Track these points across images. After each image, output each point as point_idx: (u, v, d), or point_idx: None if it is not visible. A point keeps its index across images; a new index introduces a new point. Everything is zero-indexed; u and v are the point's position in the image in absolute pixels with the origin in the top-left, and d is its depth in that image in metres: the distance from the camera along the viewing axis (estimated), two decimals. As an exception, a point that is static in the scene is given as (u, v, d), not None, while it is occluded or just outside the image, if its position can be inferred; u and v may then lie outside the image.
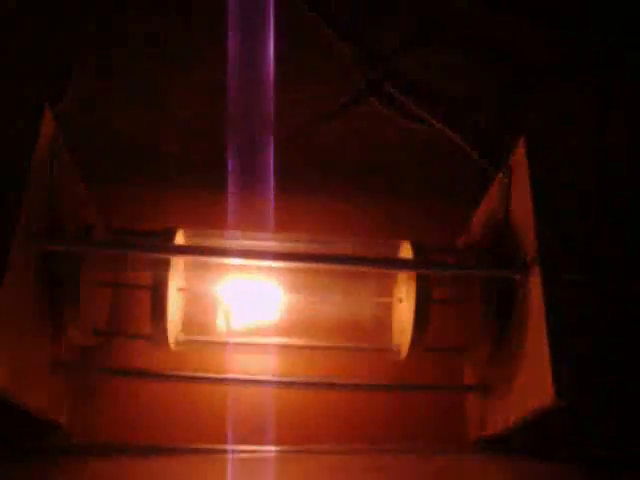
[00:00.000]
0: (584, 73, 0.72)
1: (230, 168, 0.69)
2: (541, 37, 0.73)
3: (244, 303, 0.60)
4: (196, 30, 0.73)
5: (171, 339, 0.58)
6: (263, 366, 0.65)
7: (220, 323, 0.61)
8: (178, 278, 0.58)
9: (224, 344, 0.61)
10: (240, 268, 0.59)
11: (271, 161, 0.69)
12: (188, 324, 0.60)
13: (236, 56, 0.70)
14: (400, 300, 0.60)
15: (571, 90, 0.72)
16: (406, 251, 0.59)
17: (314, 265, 0.57)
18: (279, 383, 0.61)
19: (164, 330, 0.56)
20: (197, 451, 0.61)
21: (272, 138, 0.70)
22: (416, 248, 0.59)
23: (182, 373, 0.60)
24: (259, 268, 0.59)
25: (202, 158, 0.72)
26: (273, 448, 0.62)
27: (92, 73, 0.71)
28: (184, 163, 0.72)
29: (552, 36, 0.73)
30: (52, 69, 0.69)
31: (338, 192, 0.72)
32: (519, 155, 0.57)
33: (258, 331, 0.61)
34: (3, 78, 0.67)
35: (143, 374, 0.62)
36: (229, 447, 0.61)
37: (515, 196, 0.57)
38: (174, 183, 0.71)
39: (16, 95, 0.65)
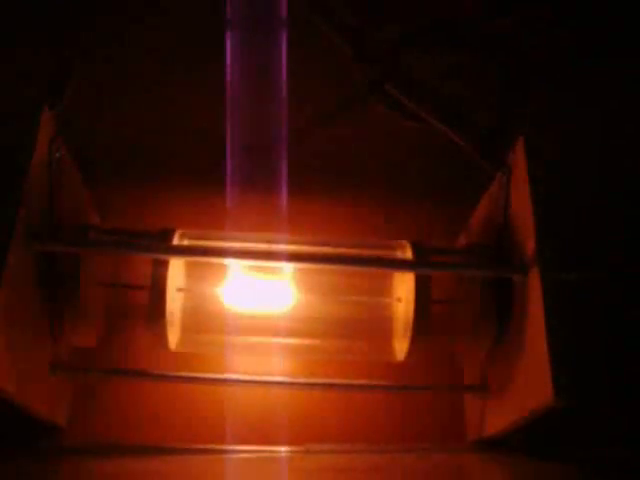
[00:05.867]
0: (584, 73, 0.72)
1: (231, 168, 0.69)
2: (541, 37, 0.73)
3: (242, 303, 0.60)
4: (197, 30, 0.73)
5: (170, 340, 0.58)
6: (262, 366, 0.65)
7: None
8: (177, 278, 0.58)
9: (223, 344, 0.61)
10: (239, 268, 0.59)
11: (276, 162, 0.69)
12: (187, 324, 0.60)
13: (237, 56, 0.70)
14: (399, 300, 0.60)
15: (571, 90, 0.72)
16: (406, 251, 0.59)
17: (313, 265, 0.57)
18: (279, 383, 0.61)
19: (163, 331, 0.56)
20: (197, 451, 0.61)
21: (279, 138, 0.71)
22: (416, 248, 0.59)
23: (182, 373, 0.60)
24: (258, 268, 0.59)
25: (202, 158, 0.72)
26: (273, 448, 0.62)
27: (92, 73, 0.71)
28: (184, 163, 0.72)
29: (552, 35, 0.73)
30: (52, 69, 0.69)
31: (338, 192, 0.72)
32: (518, 155, 0.57)
33: (256, 331, 0.61)
34: (3, 78, 0.67)
35: (143, 374, 0.62)
36: (229, 447, 0.62)
37: (514, 196, 0.57)
38: (174, 183, 0.71)
39: (16, 95, 0.65)
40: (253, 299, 0.60)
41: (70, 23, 0.71)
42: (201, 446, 0.61)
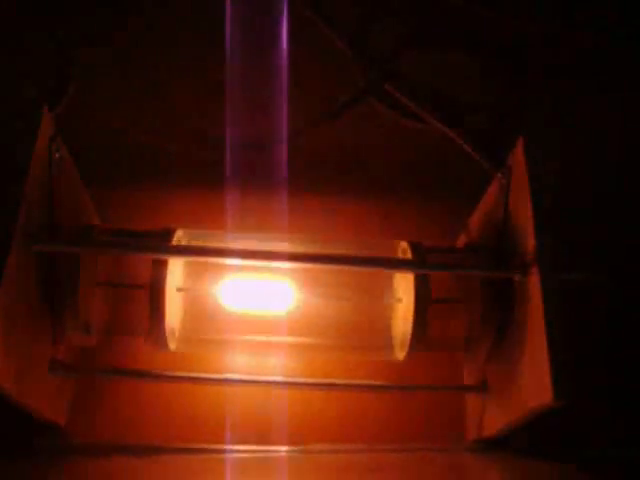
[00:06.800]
0: (584, 73, 0.72)
1: (230, 168, 0.69)
2: (541, 37, 0.73)
3: (242, 303, 0.60)
4: (197, 30, 0.73)
5: (169, 339, 0.58)
6: (263, 366, 0.65)
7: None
8: (177, 278, 0.58)
9: (223, 344, 0.61)
10: (238, 268, 0.59)
11: (276, 161, 0.69)
12: (187, 324, 0.60)
13: (237, 55, 0.70)
14: (399, 300, 0.60)
15: (571, 90, 0.72)
16: (404, 251, 0.59)
17: (313, 265, 0.57)
18: (279, 383, 0.61)
19: (162, 331, 0.56)
20: (197, 451, 0.61)
21: (279, 138, 0.71)
22: (415, 248, 0.59)
23: (182, 373, 0.60)
24: (257, 268, 0.59)
25: (202, 158, 0.72)
26: (273, 448, 0.62)
27: (92, 73, 0.71)
28: (184, 163, 0.72)
29: (552, 36, 0.73)
30: (52, 69, 0.69)
31: (337, 192, 0.72)
32: (518, 155, 0.57)
33: (256, 331, 0.61)
34: (3, 78, 0.67)
35: (143, 374, 0.62)
36: (229, 447, 0.61)
37: (514, 196, 0.57)
38: (174, 183, 0.71)
39: (16, 95, 0.65)
40: (253, 299, 0.60)
41: (70, 22, 0.71)
42: (201, 446, 0.61)
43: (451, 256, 0.63)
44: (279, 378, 0.61)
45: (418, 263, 0.58)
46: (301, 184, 0.69)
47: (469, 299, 0.58)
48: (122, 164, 0.71)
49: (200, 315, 0.60)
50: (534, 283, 0.52)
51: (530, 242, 0.53)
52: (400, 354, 0.60)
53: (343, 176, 0.73)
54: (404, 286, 0.59)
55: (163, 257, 0.56)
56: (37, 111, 0.54)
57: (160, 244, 0.57)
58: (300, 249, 0.60)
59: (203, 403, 0.65)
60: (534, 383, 0.50)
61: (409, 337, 0.57)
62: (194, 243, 0.60)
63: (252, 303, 0.60)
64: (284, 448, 0.62)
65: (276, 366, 0.65)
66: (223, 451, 0.61)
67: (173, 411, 0.65)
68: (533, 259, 0.52)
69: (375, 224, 0.72)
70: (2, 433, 0.55)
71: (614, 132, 0.70)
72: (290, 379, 0.62)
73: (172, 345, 0.59)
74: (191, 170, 0.72)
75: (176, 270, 0.58)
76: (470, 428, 0.64)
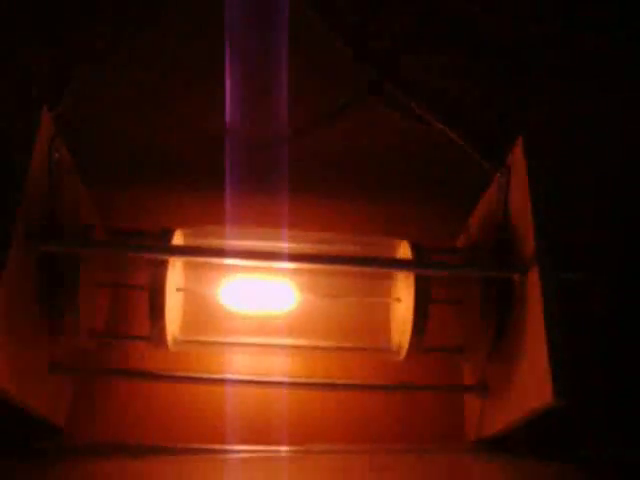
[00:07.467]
0: (584, 74, 0.72)
1: (231, 168, 0.69)
2: (541, 38, 0.73)
3: (242, 303, 0.60)
4: (196, 30, 0.73)
5: (169, 340, 0.58)
6: (263, 366, 0.65)
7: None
8: (177, 278, 0.58)
9: (223, 344, 0.61)
10: (238, 268, 0.59)
11: (276, 162, 0.69)
12: (187, 324, 0.60)
13: (238, 56, 0.70)
14: (399, 300, 0.60)
15: (571, 90, 0.72)
16: (405, 251, 0.59)
17: (313, 265, 0.57)
18: (279, 384, 0.61)
19: (162, 331, 0.56)
20: (197, 451, 0.61)
21: (279, 138, 0.71)
22: (415, 248, 0.59)
23: (182, 374, 0.60)
24: (257, 268, 0.59)
25: (203, 158, 0.72)
26: (273, 448, 0.62)
27: (92, 73, 0.71)
28: (184, 163, 0.72)
29: (552, 36, 0.73)
30: (52, 69, 0.69)
31: (338, 192, 0.72)
32: (517, 155, 0.57)
33: (256, 331, 0.61)
34: (3, 78, 0.67)
35: (143, 375, 0.62)
36: (229, 447, 0.62)
37: (513, 196, 0.57)
38: (174, 183, 0.71)
39: (16, 95, 0.65)
40: (253, 299, 0.60)
41: (70, 23, 0.71)
42: (201, 446, 0.61)
43: (451, 256, 0.63)
44: (279, 378, 0.62)
45: (418, 263, 0.58)
46: (301, 184, 0.69)
47: (469, 299, 0.58)
48: (122, 164, 0.71)
49: (200, 315, 0.60)
50: (533, 283, 0.52)
51: (529, 242, 0.53)
52: (400, 354, 0.60)
53: (343, 176, 0.73)
54: (404, 286, 0.59)
55: (163, 257, 0.56)
56: (37, 111, 0.54)
57: (160, 244, 0.57)
58: (300, 249, 0.60)
59: (203, 403, 0.65)
60: (534, 383, 0.50)
61: (409, 337, 0.58)
62: (194, 243, 0.60)
63: (252, 303, 0.60)
64: (284, 448, 0.62)
65: (276, 366, 0.65)
66: (223, 451, 0.61)
67: (173, 411, 0.65)
68: (533, 259, 0.52)
69: (375, 224, 0.72)
70: (2, 433, 0.55)
71: (614, 133, 0.70)
72: (290, 379, 0.62)
73: (172, 345, 0.59)
74: (192, 170, 0.72)
75: (176, 270, 0.58)
76: (470, 428, 0.64)
